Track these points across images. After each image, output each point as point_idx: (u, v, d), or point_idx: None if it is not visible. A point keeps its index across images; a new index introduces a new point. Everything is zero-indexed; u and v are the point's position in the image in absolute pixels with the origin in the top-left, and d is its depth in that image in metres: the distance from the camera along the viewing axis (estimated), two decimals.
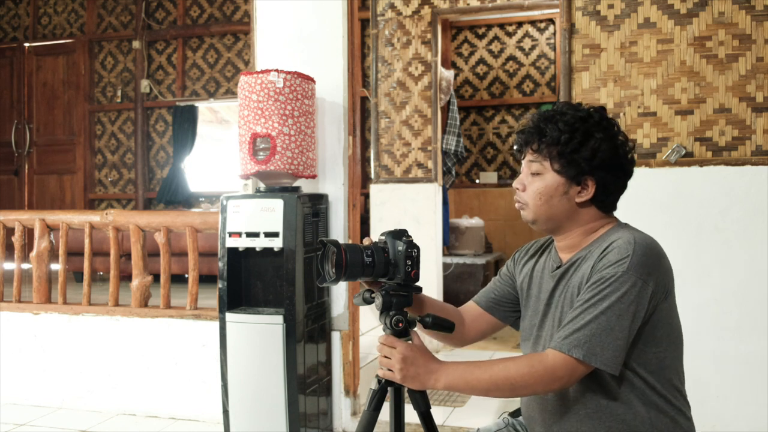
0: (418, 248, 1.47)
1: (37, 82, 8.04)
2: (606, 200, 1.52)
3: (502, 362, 1.41)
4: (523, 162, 1.55)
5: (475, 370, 1.42)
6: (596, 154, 1.46)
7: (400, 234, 1.48)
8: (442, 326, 1.48)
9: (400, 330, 1.47)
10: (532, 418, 1.58)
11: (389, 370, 1.44)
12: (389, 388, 1.51)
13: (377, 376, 1.51)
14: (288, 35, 3.42)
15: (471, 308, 1.73)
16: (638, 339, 1.41)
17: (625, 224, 1.55)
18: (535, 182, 1.51)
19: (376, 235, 5.09)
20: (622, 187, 1.55)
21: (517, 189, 1.54)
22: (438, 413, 3.46)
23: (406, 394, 1.53)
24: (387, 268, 1.48)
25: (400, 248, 1.46)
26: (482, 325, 1.73)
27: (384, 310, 1.49)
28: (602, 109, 1.53)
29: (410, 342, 1.47)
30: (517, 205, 1.56)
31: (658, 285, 1.40)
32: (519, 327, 1.71)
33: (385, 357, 1.45)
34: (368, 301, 1.53)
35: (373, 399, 1.50)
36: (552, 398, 1.50)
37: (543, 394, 1.45)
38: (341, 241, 1.69)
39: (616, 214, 1.60)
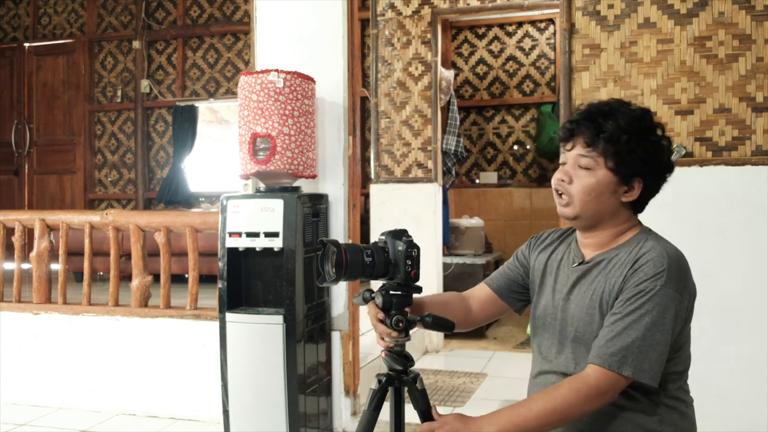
0: (418, 248, 1.47)
1: (37, 82, 8.04)
2: (644, 202, 1.54)
3: (545, 395, 1.39)
4: (568, 153, 1.50)
5: (520, 410, 1.40)
6: (650, 157, 1.47)
7: (400, 234, 1.48)
8: (442, 326, 1.47)
9: (400, 329, 1.46)
10: None
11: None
12: (389, 388, 1.50)
13: (377, 375, 1.51)
14: (288, 35, 3.42)
15: (482, 292, 1.72)
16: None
17: (648, 229, 1.56)
18: (585, 177, 1.47)
19: (376, 235, 5.09)
20: (660, 188, 1.56)
21: (562, 181, 1.50)
22: None
23: (407, 394, 1.53)
24: (387, 268, 1.47)
25: (400, 248, 1.46)
26: (491, 309, 1.72)
27: (384, 310, 1.49)
28: (650, 112, 1.53)
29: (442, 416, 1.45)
30: (560, 200, 1.51)
31: (691, 298, 1.43)
32: (521, 313, 1.71)
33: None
34: (368, 301, 1.52)
35: (373, 399, 1.49)
36: None
37: (591, 412, 1.41)
38: (341, 241, 1.69)
39: None
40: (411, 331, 1.50)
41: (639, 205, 1.53)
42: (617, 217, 1.51)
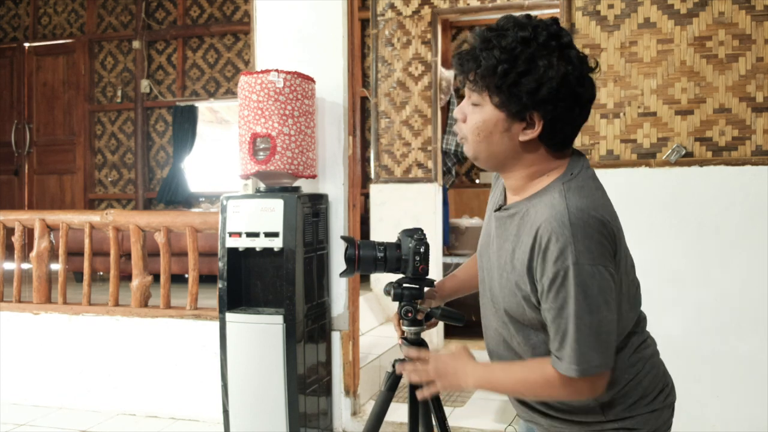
0: (427, 245, 1.60)
1: (37, 82, 8.03)
2: (556, 138, 1.28)
3: (527, 369, 1.33)
4: (465, 89, 1.33)
5: (500, 373, 1.40)
6: (542, 86, 1.22)
7: (413, 232, 1.63)
8: (452, 318, 1.60)
9: (410, 320, 1.60)
10: (511, 399, 1.56)
11: (429, 382, 1.46)
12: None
13: (394, 360, 1.61)
14: (288, 35, 3.42)
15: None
16: None
17: (571, 172, 1.30)
18: (474, 115, 1.30)
19: (376, 235, 5.09)
20: (579, 119, 1.29)
21: (457, 119, 1.34)
22: None
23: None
24: (399, 263, 1.62)
25: (410, 245, 1.60)
26: None
27: (396, 301, 1.62)
28: (553, 24, 1.27)
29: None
30: (459, 140, 1.36)
31: (609, 263, 1.23)
32: None
33: (421, 371, 1.46)
34: (387, 293, 1.64)
35: (387, 380, 1.64)
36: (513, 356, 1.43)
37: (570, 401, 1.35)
38: None
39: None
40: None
41: (553, 140, 1.28)
42: (523, 159, 1.30)
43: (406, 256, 1.61)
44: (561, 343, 1.23)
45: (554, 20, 1.29)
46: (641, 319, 1.42)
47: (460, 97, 6.85)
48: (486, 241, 1.45)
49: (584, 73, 1.27)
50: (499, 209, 1.39)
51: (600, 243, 1.21)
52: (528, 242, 1.26)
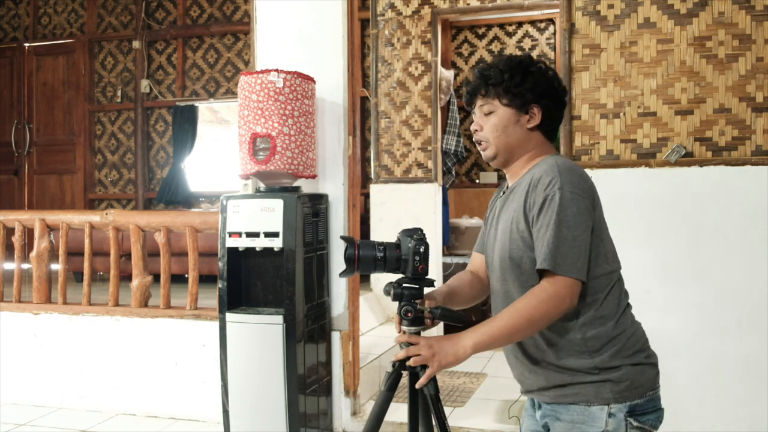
0: (426, 245, 1.62)
1: (37, 82, 8.03)
2: (551, 126, 1.70)
3: (512, 307, 1.51)
4: (475, 110, 1.72)
5: (492, 323, 1.52)
6: (537, 84, 1.65)
7: (413, 232, 1.64)
8: (452, 318, 1.61)
9: (410, 319, 1.59)
10: (518, 379, 1.70)
11: (424, 366, 1.52)
12: (403, 372, 1.62)
13: (393, 360, 1.61)
14: (288, 35, 3.42)
15: (479, 261, 1.85)
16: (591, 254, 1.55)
17: (557, 153, 1.71)
18: (490, 119, 1.68)
19: (376, 235, 5.09)
20: (562, 111, 1.73)
21: (476, 131, 1.71)
22: None
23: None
24: (399, 263, 1.63)
25: (410, 245, 1.62)
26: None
27: (395, 301, 1.62)
28: (529, 56, 1.72)
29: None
30: (479, 146, 1.72)
31: (588, 198, 1.55)
32: None
33: (415, 354, 1.53)
34: (387, 293, 1.65)
35: (387, 380, 1.62)
36: (522, 347, 1.63)
37: (557, 318, 1.52)
38: None
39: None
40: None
41: (548, 128, 1.70)
42: (527, 144, 1.68)
43: (405, 256, 1.62)
44: (542, 248, 1.50)
45: (527, 55, 1.75)
46: (624, 290, 1.65)
47: (460, 97, 6.85)
48: (488, 229, 1.76)
49: (560, 82, 1.72)
50: (504, 192, 1.72)
51: (581, 182, 1.56)
52: (525, 189, 1.59)
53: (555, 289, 1.48)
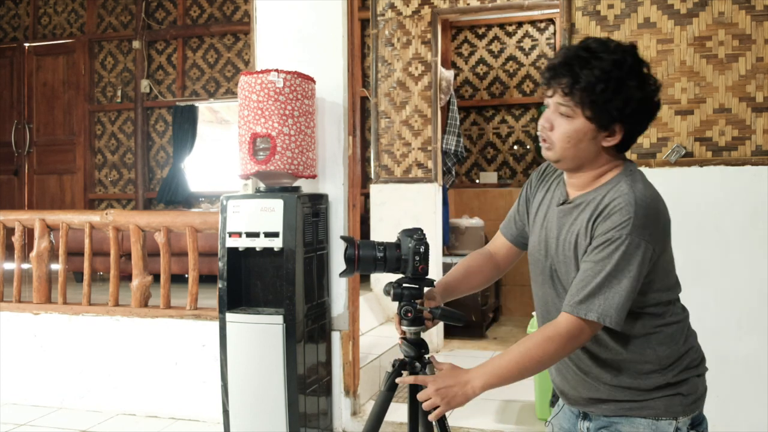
0: (426, 245, 1.61)
1: (37, 82, 8.03)
2: (629, 143, 1.53)
3: (522, 345, 1.47)
4: (549, 99, 1.51)
5: (501, 361, 1.47)
6: (629, 104, 1.44)
7: (413, 232, 1.63)
8: (452, 318, 1.60)
9: (410, 319, 1.60)
10: (562, 391, 1.66)
11: (435, 408, 1.49)
12: (403, 372, 1.63)
13: (393, 360, 1.62)
14: (288, 35, 3.42)
15: (502, 244, 1.79)
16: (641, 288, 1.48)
17: (631, 168, 1.55)
18: (565, 124, 1.48)
19: (375, 235, 5.09)
20: (644, 130, 1.56)
21: (544, 127, 1.51)
22: None
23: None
24: (399, 263, 1.62)
25: (410, 245, 1.61)
26: (512, 257, 1.81)
27: (395, 301, 1.62)
28: (634, 51, 1.48)
29: (436, 370, 1.56)
30: (543, 144, 1.53)
31: (657, 243, 1.47)
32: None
33: (425, 400, 1.50)
34: (388, 293, 1.64)
35: (387, 380, 1.63)
36: (570, 363, 1.58)
37: (567, 356, 1.51)
38: None
39: None
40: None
41: (623, 146, 1.53)
42: (599, 160, 1.52)
43: (405, 256, 1.62)
44: (583, 288, 1.43)
45: (633, 46, 1.50)
46: (683, 306, 1.61)
47: (460, 97, 6.86)
48: (533, 224, 1.66)
49: (657, 94, 1.50)
50: (563, 204, 1.58)
51: (655, 225, 1.47)
52: (593, 215, 1.48)
53: (569, 329, 1.44)
